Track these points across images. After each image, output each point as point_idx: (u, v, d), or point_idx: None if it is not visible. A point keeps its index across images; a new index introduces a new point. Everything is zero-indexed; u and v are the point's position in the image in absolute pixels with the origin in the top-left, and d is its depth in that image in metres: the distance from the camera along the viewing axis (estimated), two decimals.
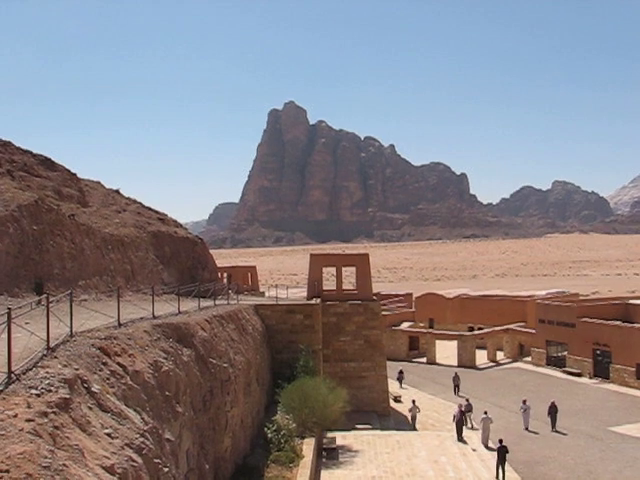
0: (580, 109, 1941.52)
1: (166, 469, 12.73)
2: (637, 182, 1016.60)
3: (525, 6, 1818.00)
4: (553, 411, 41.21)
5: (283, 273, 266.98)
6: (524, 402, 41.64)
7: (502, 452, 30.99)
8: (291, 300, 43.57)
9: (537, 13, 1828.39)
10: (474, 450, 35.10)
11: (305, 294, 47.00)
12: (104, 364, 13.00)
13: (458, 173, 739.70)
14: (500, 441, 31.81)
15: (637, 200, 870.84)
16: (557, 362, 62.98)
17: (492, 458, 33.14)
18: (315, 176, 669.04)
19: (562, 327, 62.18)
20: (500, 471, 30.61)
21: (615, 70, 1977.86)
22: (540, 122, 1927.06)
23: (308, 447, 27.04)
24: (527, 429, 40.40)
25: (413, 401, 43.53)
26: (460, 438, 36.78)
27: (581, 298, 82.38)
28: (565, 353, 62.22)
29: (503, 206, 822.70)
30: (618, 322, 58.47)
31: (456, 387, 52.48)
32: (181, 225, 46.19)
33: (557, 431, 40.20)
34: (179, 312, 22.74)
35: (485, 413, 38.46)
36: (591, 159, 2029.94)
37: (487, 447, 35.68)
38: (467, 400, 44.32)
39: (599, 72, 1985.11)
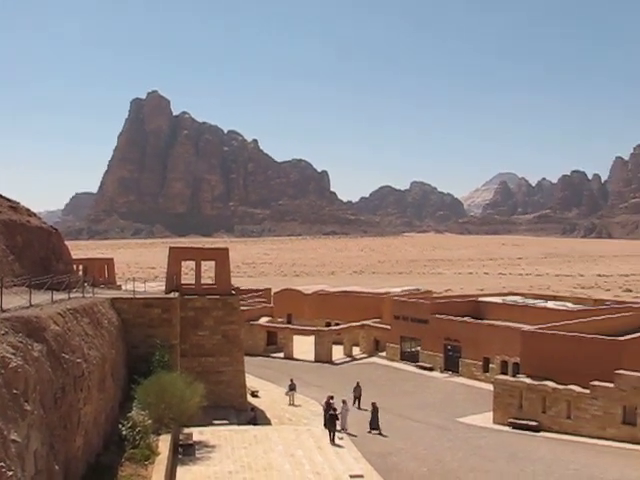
0: (438, 112, 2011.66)
1: (10, 472, 12.09)
2: (489, 185, 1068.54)
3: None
4: (374, 412, 40.42)
5: (141, 266, 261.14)
6: (344, 402, 40.21)
7: (331, 419, 35.91)
8: (149, 294, 42.61)
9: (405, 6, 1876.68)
10: (339, 446, 36.02)
11: (164, 288, 46.20)
12: None
13: (319, 170, 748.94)
14: (334, 410, 36.75)
15: (488, 202, 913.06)
16: (411, 357, 65.09)
17: (347, 451, 33.94)
18: (177, 168, 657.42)
19: (416, 323, 64.32)
20: (333, 436, 35.49)
21: (474, 72, 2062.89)
22: (400, 123, 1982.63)
23: (164, 444, 26.53)
24: (345, 430, 38.82)
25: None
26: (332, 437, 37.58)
27: (434, 295, 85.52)
28: (418, 348, 64.38)
29: (362, 204, 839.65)
30: (468, 318, 61.12)
31: (357, 399, 47.06)
32: (35, 214, 44.15)
33: (379, 433, 39.36)
34: (30, 305, 21.72)
35: (344, 402, 39.57)
36: (448, 162, 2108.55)
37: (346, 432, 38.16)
38: (291, 380, 49.18)
39: (459, 73, 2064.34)
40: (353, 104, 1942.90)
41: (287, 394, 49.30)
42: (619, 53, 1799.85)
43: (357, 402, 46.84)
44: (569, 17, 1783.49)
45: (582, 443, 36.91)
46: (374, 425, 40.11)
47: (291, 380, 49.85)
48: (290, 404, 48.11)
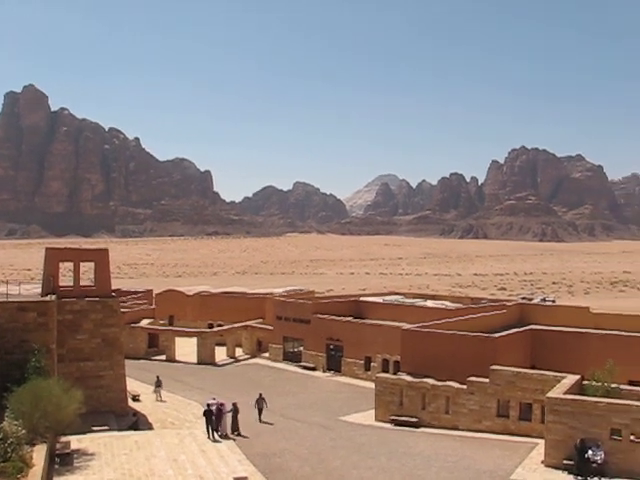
0: (322, 113, 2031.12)
1: None
2: (370, 187, 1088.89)
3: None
4: (235, 413, 38.93)
5: (16, 268, 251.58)
6: (222, 405, 38.26)
7: (208, 415, 37.04)
8: (24, 297, 40.95)
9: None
10: (216, 441, 36.28)
11: (40, 290, 44.57)
12: None
13: (202, 170, 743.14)
14: (208, 405, 37.84)
15: (370, 204, 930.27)
16: (293, 357, 65.47)
17: (231, 453, 33.76)
18: (55, 166, 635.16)
19: (298, 323, 64.73)
20: (210, 431, 36.90)
21: (355, 74, 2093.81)
22: (284, 123, 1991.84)
23: (39, 454, 25.53)
24: (224, 433, 37.69)
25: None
26: (209, 433, 37.36)
27: (317, 295, 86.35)
28: (301, 348, 64.76)
29: (246, 205, 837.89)
30: (349, 318, 61.95)
31: (260, 411, 42.50)
32: None
33: (238, 434, 38.20)
34: None
35: (221, 405, 39.10)
36: (330, 163, 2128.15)
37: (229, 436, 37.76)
38: (157, 377, 50.46)
39: (341, 75, 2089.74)
40: (237, 103, 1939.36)
41: (154, 391, 50.31)
42: (498, 59, 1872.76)
43: (260, 414, 42.56)
44: (454, 21, 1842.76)
45: (460, 436, 38.05)
46: (234, 427, 38.71)
47: (157, 377, 50.74)
48: (157, 400, 49.46)
